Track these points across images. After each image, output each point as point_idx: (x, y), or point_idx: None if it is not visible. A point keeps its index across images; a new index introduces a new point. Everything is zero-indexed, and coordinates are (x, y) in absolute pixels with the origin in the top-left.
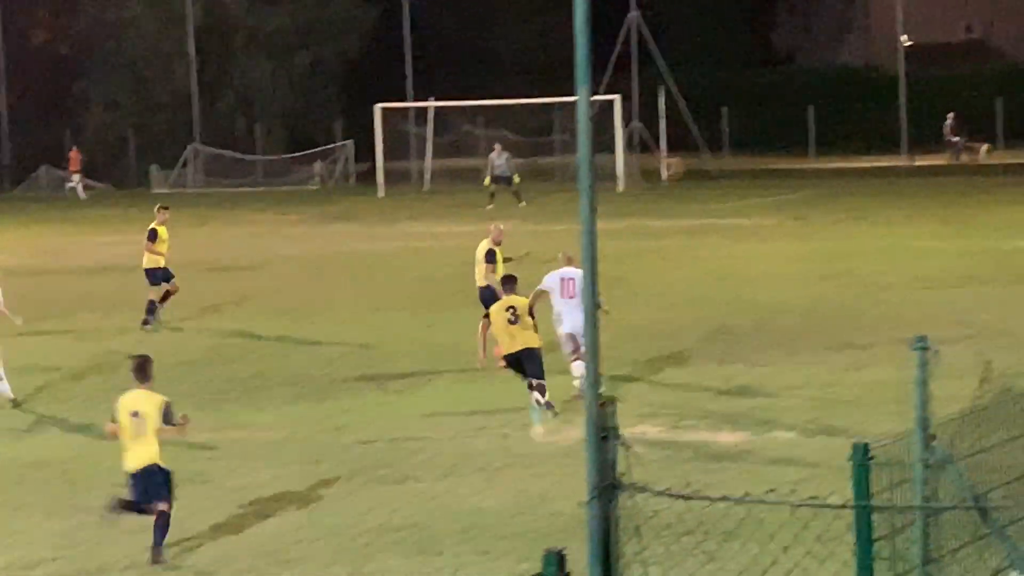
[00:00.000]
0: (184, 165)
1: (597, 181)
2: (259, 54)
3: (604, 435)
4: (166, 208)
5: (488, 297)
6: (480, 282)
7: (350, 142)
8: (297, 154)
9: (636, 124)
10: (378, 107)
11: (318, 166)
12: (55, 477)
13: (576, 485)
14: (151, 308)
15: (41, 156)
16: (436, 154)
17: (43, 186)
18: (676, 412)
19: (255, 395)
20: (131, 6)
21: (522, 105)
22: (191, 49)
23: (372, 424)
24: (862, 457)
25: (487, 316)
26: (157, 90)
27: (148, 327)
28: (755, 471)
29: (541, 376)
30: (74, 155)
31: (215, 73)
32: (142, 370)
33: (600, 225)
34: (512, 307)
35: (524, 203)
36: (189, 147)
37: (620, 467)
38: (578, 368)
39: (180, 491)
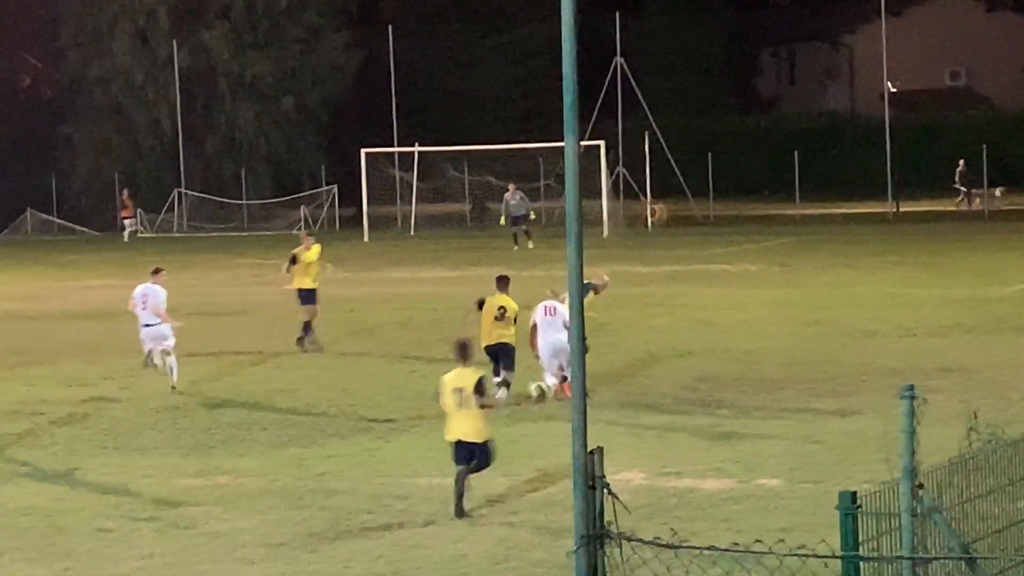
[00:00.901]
0: (170, 210)
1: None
2: (244, 99)
3: (591, 484)
4: (311, 234)
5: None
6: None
7: (335, 187)
8: (282, 199)
9: (621, 170)
10: (363, 152)
11: (303, 211)
12: (39, 523)
13: (559, 533)
14: (307, 328)
15: (26, 201)
16: (421, 199)
17: (28, 230)
18: (660, 459)
19: (238, 440)
20: (116, 51)
21: (506, 150)
22: (176, 94)
23: (355, 470)
24: (849, 506)
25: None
26: (142, 135)
27: (305, 347)
28: (741, 519)
29: (511, 368)
30: (125, 201)
31: (200, 118)
32: (464, 350)
33: (584, 271)
34: (502, 307)
35: (532, 245)
36: (175, 192)
37: (607, 516)
38: (550, 380)
39: (162, 537)
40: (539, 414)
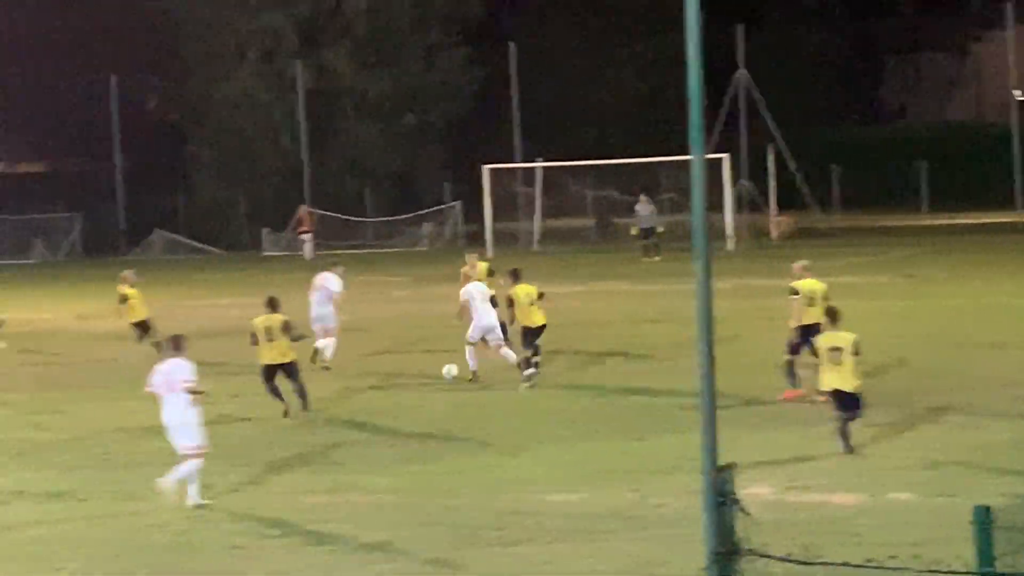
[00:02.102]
0: (294, 228)
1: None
2: (367, 117)
3: (722, 500)
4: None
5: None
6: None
7: (458, 203)
8: (405, 216)
9: (745, 182)
10: (486, 168)
11: (427, 227)
12: (172, 540)
13: (688, 550)
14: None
15: (154, 221)
16: (544, 214)
17: (156, 250)
18: (789, 473)
19: (366, 457)
20: (241, 73)
21: (628, 163)
22: (301, 114)
23: (482, 486)
24: (984, 520)
25: None
26: (267, 154)
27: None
28: (872, 534)
29: (535, 349)
30: (305, 215)
31: (323, 137)
32: (833, 315)
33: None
34: (529, 294)
35: (659, 258)
36: (299, 209)
37: (738, 532)
38: (508, 355)
39: (293, 555)
40: (667, 426)
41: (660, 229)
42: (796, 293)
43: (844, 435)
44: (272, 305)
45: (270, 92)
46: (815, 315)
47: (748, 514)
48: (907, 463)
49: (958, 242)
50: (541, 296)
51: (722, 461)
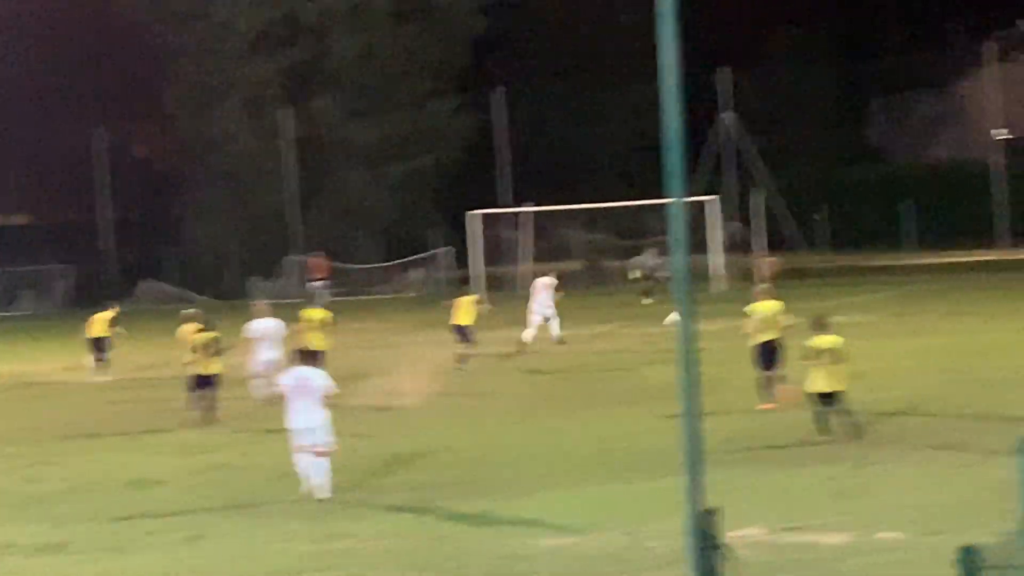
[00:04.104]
0: (283, 275)
1: (693, 282)
2: (356, 164)
3: (706, 545)
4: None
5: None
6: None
7: (449, 248)
8: (395, 262)
9: (733, 223)
10: (474, 214)
11: (415, 273)
12: None
13: None
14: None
15: (144, 269)
16: (535, 258)
17: (146, 300)
18: (780, 513)
19: (358, 504)
20: (229, 120)
21: (617, 208)
22: (290, 161)
23: (475, 531)
24: (971, 561)
25: None
26: (256, 202)
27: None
28: (863, 573)
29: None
30: (318, 263)
31: (313, 184)
32: (821, 321)
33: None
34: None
35: (651, 300)
36: (287, 258)
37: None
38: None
39: None
40: (663, 470)
41: (666, 274)
42: (749, 315)
43: (824, 424)
44: (206, 324)
45: (259, 140)
46: (771, 333)
47: (733, 558)
48: (900, 502)
49: (944, 281)
50: (479, 302)
51: (714, 502)
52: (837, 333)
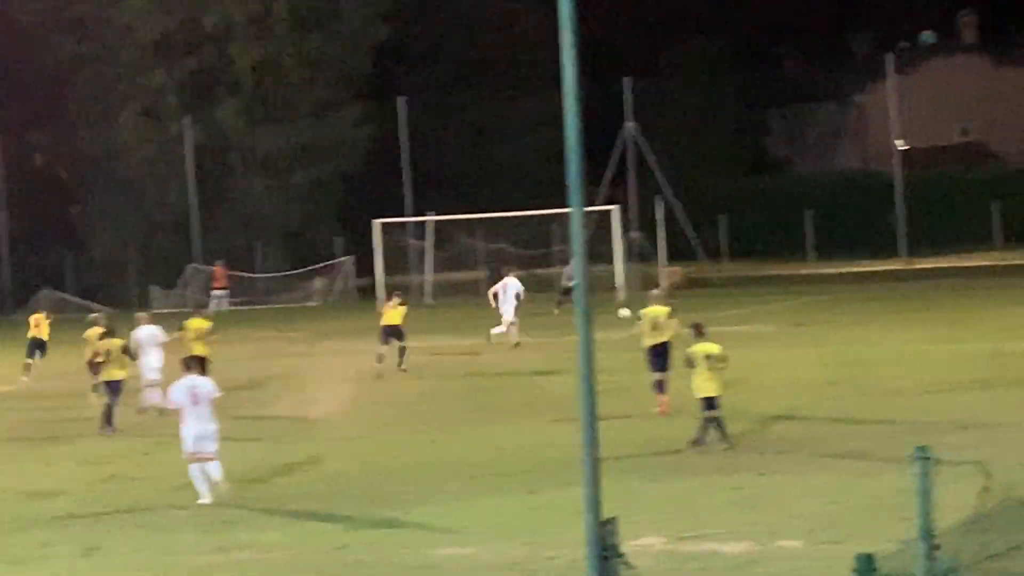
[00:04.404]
0: (184, 284)
1: (596, 292)
2: (257, 173)
3: (605, 554)
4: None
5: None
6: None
7: (350, 257)
8: (298, 271)
9: (635, 234)
10: (377, 222)
11: (318, 282)
12: None
13: None
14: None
15: (42, 279)
16: (436, 267)
17: (42, 308)
18: (681, 523)
19: (259, 514)
20: (130, 128)
21: (520, 217)
22: (190, 170)
23: (377, 542)
24: (867, 568)
25: None
26: (156, 211)
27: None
28: None
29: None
30: (220, 271)
31: (213, 192)
32: (700, 328)
33: (599, 335)
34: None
35: (557, 311)
36: (189, 267)
37: None
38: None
39: None
40: (563, 479)
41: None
42: (640, 319)
43: (706, 428)
44: (110, 331)
45: (160, 148)
46: (661, 336)
47: (632, 567)
48: (798, 510)
49: (846, 290)
50: (403, 304)
51: (614, 511)
52: (740, 344)
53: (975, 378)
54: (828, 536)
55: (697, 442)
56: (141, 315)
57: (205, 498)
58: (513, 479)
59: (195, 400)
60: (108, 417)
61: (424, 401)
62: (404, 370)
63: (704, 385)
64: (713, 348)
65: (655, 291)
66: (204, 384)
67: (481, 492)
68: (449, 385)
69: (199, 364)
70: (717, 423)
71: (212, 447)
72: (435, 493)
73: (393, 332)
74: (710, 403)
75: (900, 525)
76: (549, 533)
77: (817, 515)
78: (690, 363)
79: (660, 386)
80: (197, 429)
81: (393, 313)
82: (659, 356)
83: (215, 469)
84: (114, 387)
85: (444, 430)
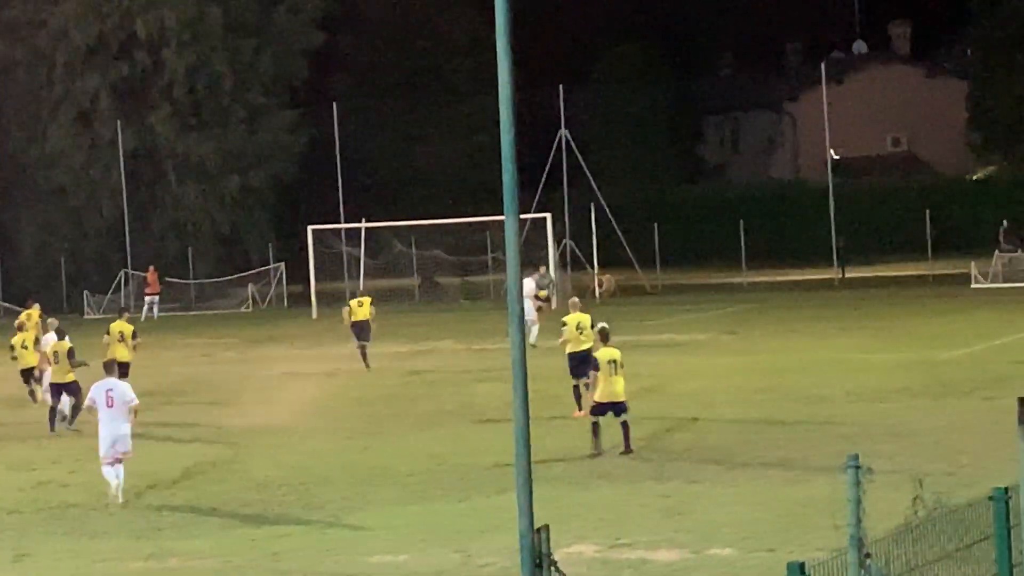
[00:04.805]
0: (117, 290)
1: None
2: (190, 179)
3: (538, 562)
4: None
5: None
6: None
7: (282, 264)
8: (230, 277)
9: (568, 241)
10: (310, 229)
11: (250, 288)
12: None
13: None
14: None
15: None
16: (369, 274)
17: None
18: (613, 531)
19: (190, 522)
20: (59, 135)
21: (454, 224)
22: (121, 175)
23: (308, 549)
24: None
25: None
26: (88, 216)
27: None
28: None
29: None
30: (152, 277)
31: (145, 198)
32: (605, 334)
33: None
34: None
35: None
36: (121, 272)
37: None
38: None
39: None
40: (495, 487)
41: (544, 294)
42: (564, 325)
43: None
44: (60, 334)
45: (89, 153)
46: (585, 342)
47: (563, 575)
48: (730, 519)
49: (778, 299)
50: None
51: (546, 519)
52: (673, 352)
53: (905, 386)
54: (759, 544)
55: (596, 453)
56: (52, 320)
57: (119, 498)
58: (446, 486)
59: (110, 403)
60: (53, 420)
61: (357, 407)
62: (369, 367)
63: (609, 389)
64: (616, 353)
65: (574, 299)
66: (120, 387)
67: (414, 499)
68: (382, 391)
69: (119, 368)
70: (624, 427)
71: (124, 448)
72: (368, 500)
73: (364, 327)
74: (615, 407)
75: (831, 533)
76: (482, 540)
77: (748, 523)
78: (595, 367)
79: (580, 392)
80: (112, 432)
81: (362, 310)
82: (582, 363)
83: (120, 471)
84: (56, 390)
85: (377, 436)
